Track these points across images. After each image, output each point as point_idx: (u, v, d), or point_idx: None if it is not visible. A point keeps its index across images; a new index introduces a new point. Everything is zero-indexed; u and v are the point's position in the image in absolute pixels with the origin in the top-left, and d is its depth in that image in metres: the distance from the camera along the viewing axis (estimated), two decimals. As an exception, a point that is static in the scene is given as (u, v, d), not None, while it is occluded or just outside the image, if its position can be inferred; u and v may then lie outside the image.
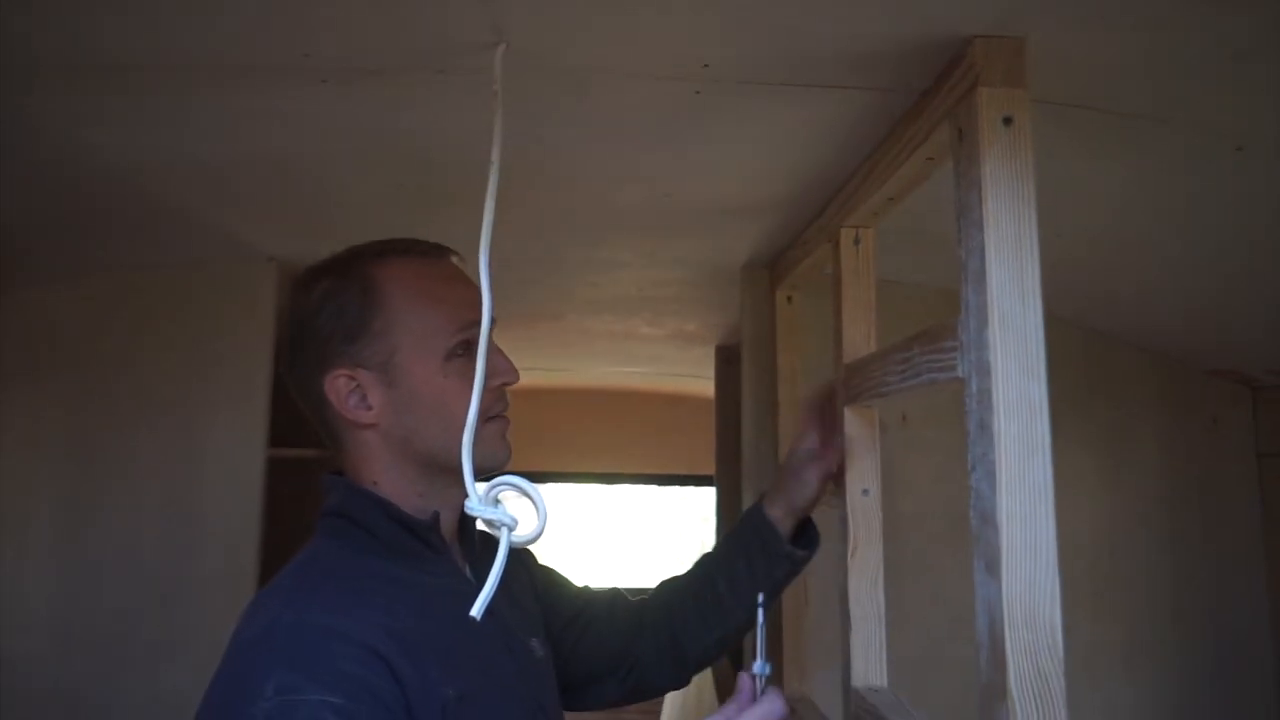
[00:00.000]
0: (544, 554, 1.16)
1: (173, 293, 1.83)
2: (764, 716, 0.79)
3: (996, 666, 0.73)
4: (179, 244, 1.68)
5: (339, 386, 0.89)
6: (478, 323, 0.80)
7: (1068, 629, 0.72)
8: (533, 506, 0.77)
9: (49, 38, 0.85)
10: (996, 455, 0.73)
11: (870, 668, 1.14)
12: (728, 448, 2.66)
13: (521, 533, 0.76)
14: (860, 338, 1.20)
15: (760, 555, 1.14)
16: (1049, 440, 0.73)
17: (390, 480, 0.90)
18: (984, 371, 0.75)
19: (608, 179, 1.27)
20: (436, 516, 0.90)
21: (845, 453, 1.17)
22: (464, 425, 0.78)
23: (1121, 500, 1.82)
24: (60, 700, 1.71)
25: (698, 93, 0.95)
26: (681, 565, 1.24)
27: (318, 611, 0.78)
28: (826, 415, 1.20)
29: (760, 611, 0.87)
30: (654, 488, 4.69)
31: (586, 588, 1.20)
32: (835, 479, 1.18)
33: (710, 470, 2.93)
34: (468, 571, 0.95)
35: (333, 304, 0.89)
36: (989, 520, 0.74)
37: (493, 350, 0.89)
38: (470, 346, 0.89)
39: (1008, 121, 0.76)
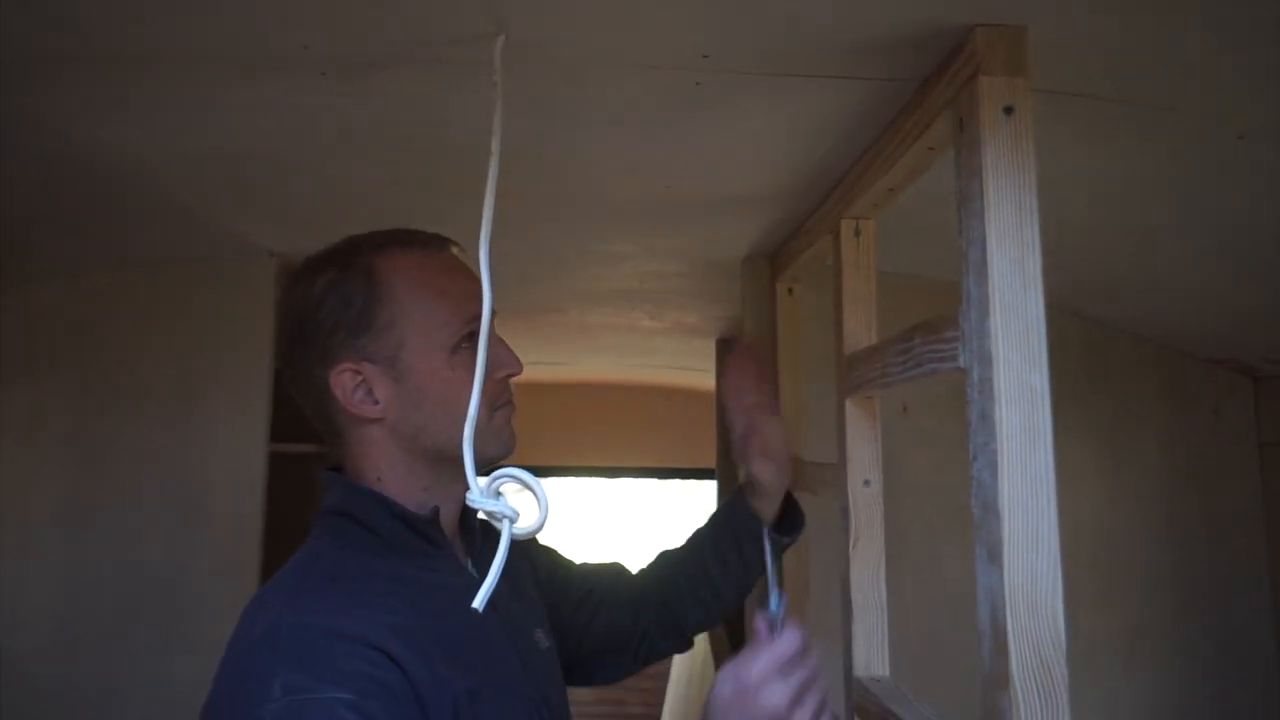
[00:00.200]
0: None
1: (173, 289, 1.83)
2: (783, 653, 0.79)
3: (999, 655, 0.73)
4: (178, 240, 1.68)
5: (344, 381, 0.87)
6: (481, 315, 0.80)
7: (1068, 621, 0.72)
8: (534, 499, 0.76)
9: (47, 32, 0.85)
10: (998, 444, 0.73)
11: (872, 657, 1.15)
12: (729, 441, 2.65)
13: (523, 525, 0.76)
14: (861, 329, 1.20)
15: (747, 539, 1.18)
16: (1051, 429, 0.74)
17: (395, 475, 0.89)
18: (986, 361, 0.75)
19: (608, 171, 1.27)
20: (436, 511, 0.89)
21: (773, 408, 1.21)
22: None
23: (1122, 492, 1.82)
24: (63, 696, 1.72)
25: (698, 84, 0.94)
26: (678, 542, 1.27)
27: (321, 613, 0.78)
28: (742, 392, 1.23)
29: (768, 548, 0.87)
30: (655, 481, 4.69)
31: (587, 564, 1.22)
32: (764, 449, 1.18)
33: (711, 463, 2.93)
34: (470, 566, 0.95)
35: (336, 296, 0.87)
36: (991, 509, 0.74)
37: (496, 342, 0.89)
38: (475, 339, 0.89)
39: (1009, 111, 0.76)
